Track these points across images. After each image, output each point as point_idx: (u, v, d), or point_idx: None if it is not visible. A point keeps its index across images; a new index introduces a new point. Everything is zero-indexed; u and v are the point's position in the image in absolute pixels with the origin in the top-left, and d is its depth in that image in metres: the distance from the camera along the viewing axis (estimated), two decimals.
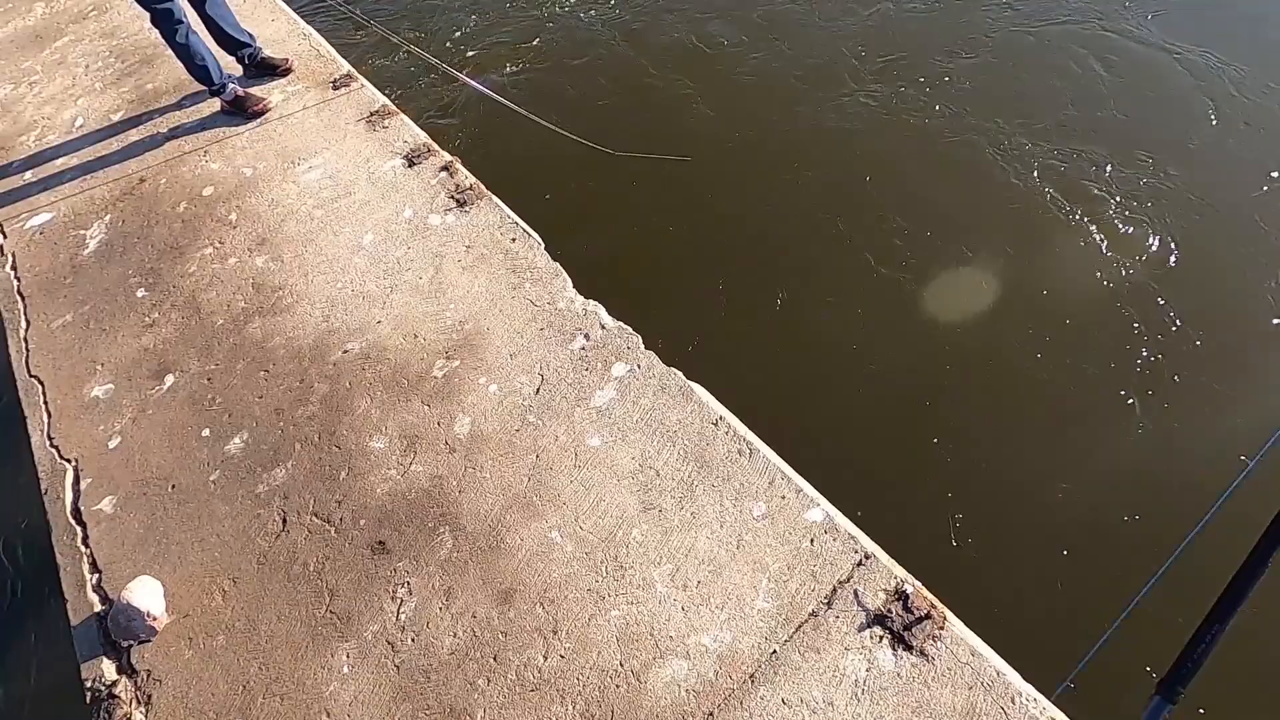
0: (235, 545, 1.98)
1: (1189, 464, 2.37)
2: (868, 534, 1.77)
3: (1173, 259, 2.89)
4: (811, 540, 1.74)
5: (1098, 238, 2.97)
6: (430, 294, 2.43)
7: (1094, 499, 2.35)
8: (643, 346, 2.18)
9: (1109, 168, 3.22)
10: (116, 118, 3.49)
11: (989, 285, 2.89)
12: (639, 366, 2.13)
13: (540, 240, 2.52)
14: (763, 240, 3.20)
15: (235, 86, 3.28)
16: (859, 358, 2.76)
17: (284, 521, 2.00)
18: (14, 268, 2.90)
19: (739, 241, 3.21)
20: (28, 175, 3.31)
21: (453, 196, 2.72)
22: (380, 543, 1.92)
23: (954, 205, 3.20)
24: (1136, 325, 2.70)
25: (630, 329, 2.24)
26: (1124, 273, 2.87)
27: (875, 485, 2.36)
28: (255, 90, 3.33)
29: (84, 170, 3.25)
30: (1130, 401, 2.53)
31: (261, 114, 3.24)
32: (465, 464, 2.02)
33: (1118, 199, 3.09)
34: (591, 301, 2.32)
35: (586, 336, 2.23)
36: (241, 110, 3.26)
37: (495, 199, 2.69)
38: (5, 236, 3.05)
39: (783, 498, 1.82)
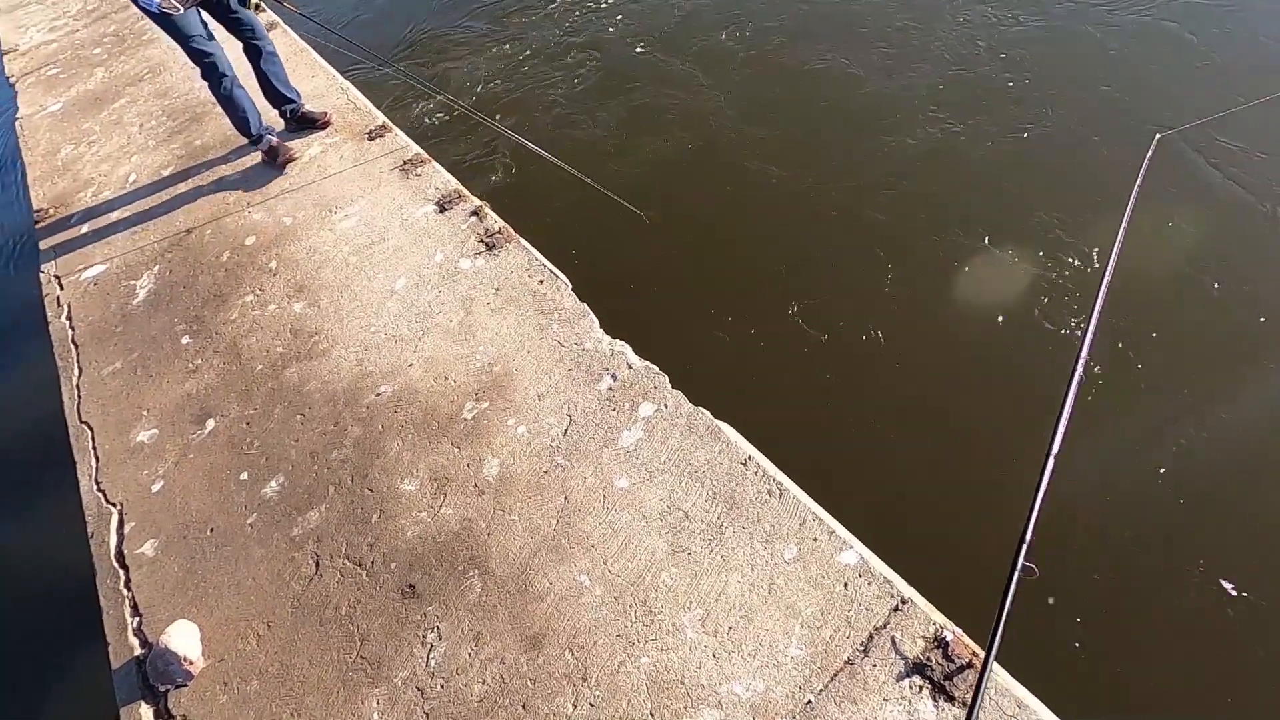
0: (270, 589, 2.01)
1: None
2: (904, 577, 1.71)
3: None
4: (845, 584, 1.69)
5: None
6: (460, 336, 2.47)
7: (1146, 530, 2.25)
8: (670, 385, 2.18)
9: None
10: (166, 173, 3.67)
11: (1029, 316, 2.83)
12: (666, 406, 2.13)
13: (568, 281, 2.55)
14: (793, 276, 3.19)
15: (271, 138, 3.44)
16: (890, 393, 2.71)
17: (317, 565, 2.03)
18: (69, 318, 3.04)
19: (768, 279, 3.21)
20: (84, 229, 3.49)
21: (482, 240, 2.78)
22: (410, 586, 1.92)
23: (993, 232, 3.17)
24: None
25: (657, 368, 2.24)
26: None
27: (909, 525, 2.29)
28: (295, 143, 3.48)
29: (135, 223, 3.42)
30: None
31: (290, 162, 3.40)
32: (494, 506, 2.02)
33: None
34: (619, 341, 2.34)
35: (614, 376, 2.24)
36: (273, 159, 3.42)
37: (524, 242, 2.75)
38: (62, 288, 3.20)
39: (815, 540, 1.78)
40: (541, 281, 2.57)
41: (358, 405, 2.37)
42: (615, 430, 2.10)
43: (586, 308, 2.45)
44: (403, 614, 1.87)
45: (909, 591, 1.67)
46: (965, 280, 3.01)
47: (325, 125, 3.59)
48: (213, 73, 3.19)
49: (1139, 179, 1.94)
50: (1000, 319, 2.85)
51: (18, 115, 4.54)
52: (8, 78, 5.03)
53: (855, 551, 1.74)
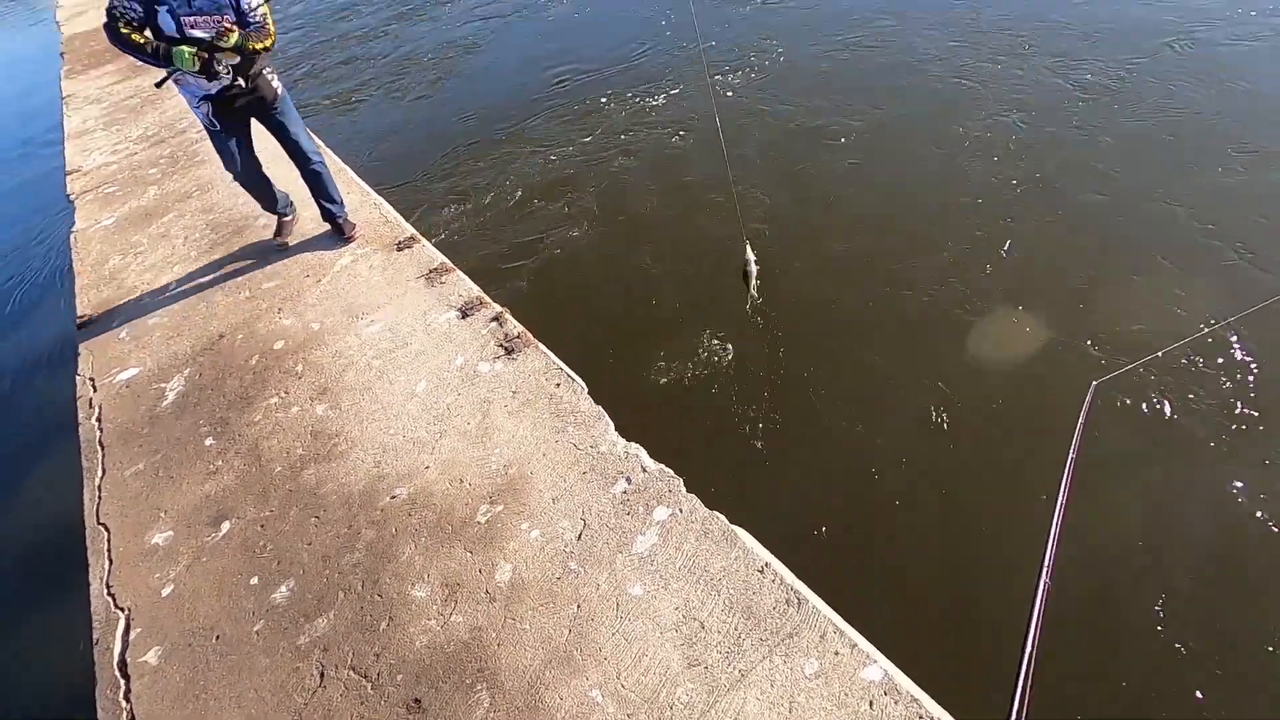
0: (272, 702, 1.94)
1: None
2: (931, 695, 1.63)
3: None
4: (870, 703, 1.61)
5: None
6: (477, 439, 2.51)
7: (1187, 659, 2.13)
8: (685, 489, 2.18)
9: None
10: (205, 281, 3.87)
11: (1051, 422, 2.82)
12: (681, 510, 2.12)
13: (584, 385, 2.61)
14: (811, 381, 3.23)
15: (287, 217, 3.96)
16: (913, 499, 2.68)
17: (321, 676, 1.97)
18: (99, 419, 3.13)
19: (783, 381, 3.26)
20: (123, 334, 3.65)
21: (501, 345, 2.88)
22: (416, 700, 1.85)
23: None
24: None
25: (672, 472, 2.25)
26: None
27: (934, 636, 2.20)
28: (329, 253, 3.70)
29: (172, 329, 3.57)
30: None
31: (283, 245, 3.94)
32: (505, 614, 1.98)
33: None
34: (634, 444, 2.36)
35: (628, 480, 2.24)
36: (279, 233, 3.95)
37: (541, 346, 2.83)
38: (95, 390, 3.31)
39: (836, 654, 1.71)
40: (558, 385, 2.63)
41: (373, 508, 2.38)
42: (629, 535, 2.08)
43: (602, 411, 2.49)
44: None
45: (938, 711, 1.58)
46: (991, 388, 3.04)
47: (350, 239, 3.81)
48: (224, 156, 3.49)
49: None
50: (1003, 427, 2.85)
51: (74, 229, 4.86)
52: (68, 196, 5.43)
53: (879, 667, 1.67)
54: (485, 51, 8.36)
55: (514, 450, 2.44)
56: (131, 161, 5.70)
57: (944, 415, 2.94)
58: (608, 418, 2.46)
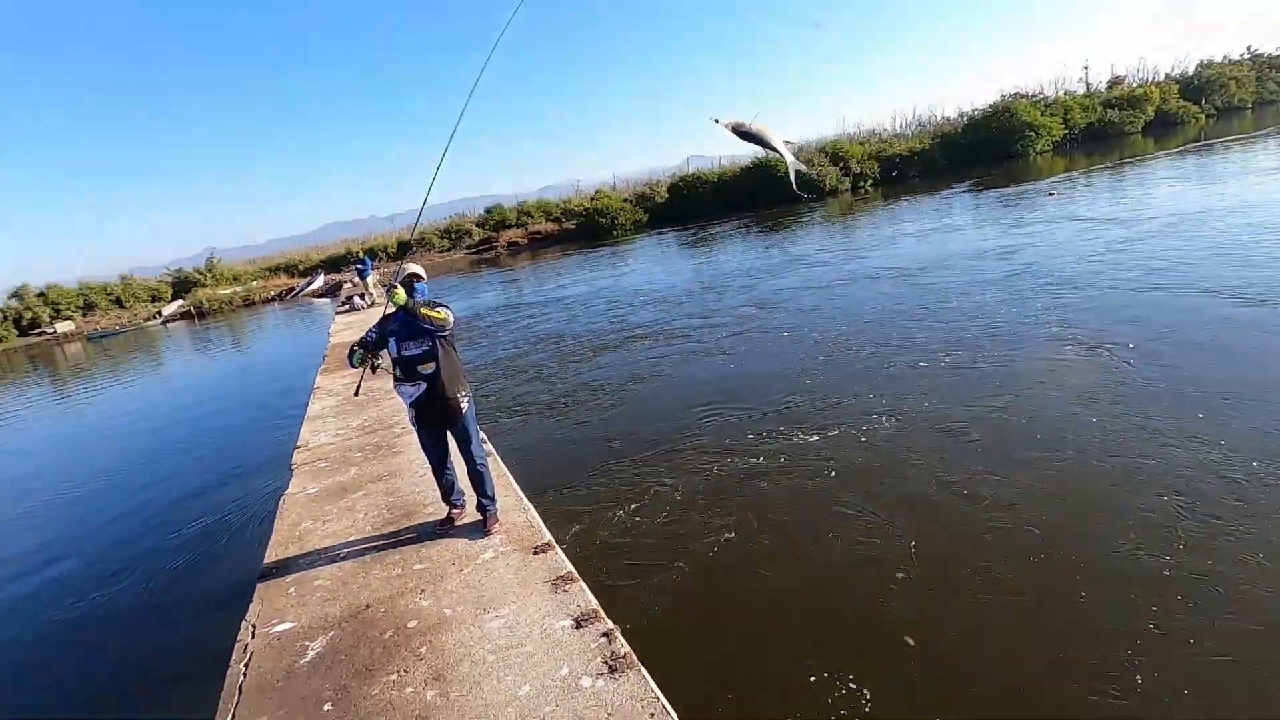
0: None
1: None
2: None
3: None
4: None
5: None
6: None
7: None
8: None
9: None
10: (369, 554, 4.48)
11: None
12: None
13: (677, 718, 2.63)
14: None
15: (456, 509, 4.58)
16: None
17: None
18: (247, 665, 3.50)
19: None
20: (291, 589, 4.20)
21: (606, 662, 3.02)
22: None
23: None
24: None
25: None
26: None
27: None
28: (475, 544, 4.23)
29: (329, 593, 4.08)
30: None
31: (447, 530, 4.55)
32: None
33: None
34: None
35: None
36: (446, 524, 4.58)
37: (643, 671, 2.94)
38: (254, 636, 3.75)
39: None
40: (652, 715, 2.67)
41: None
42: None
43: None
44: None
45: None
46: None
47: (490, 533, 4.38)
48: (427, 454, 4.54)
49: None
50: None
51: (285, 493, 5.90)
52: (291, 465, 6.68)
53: None
54: (651, 383, 9.79)
55: None
56: (345, 444, 7.00)
57: None
58: None
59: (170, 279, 46.50)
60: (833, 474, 5.95)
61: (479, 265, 39.34)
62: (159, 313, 41.77)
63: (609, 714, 2.72)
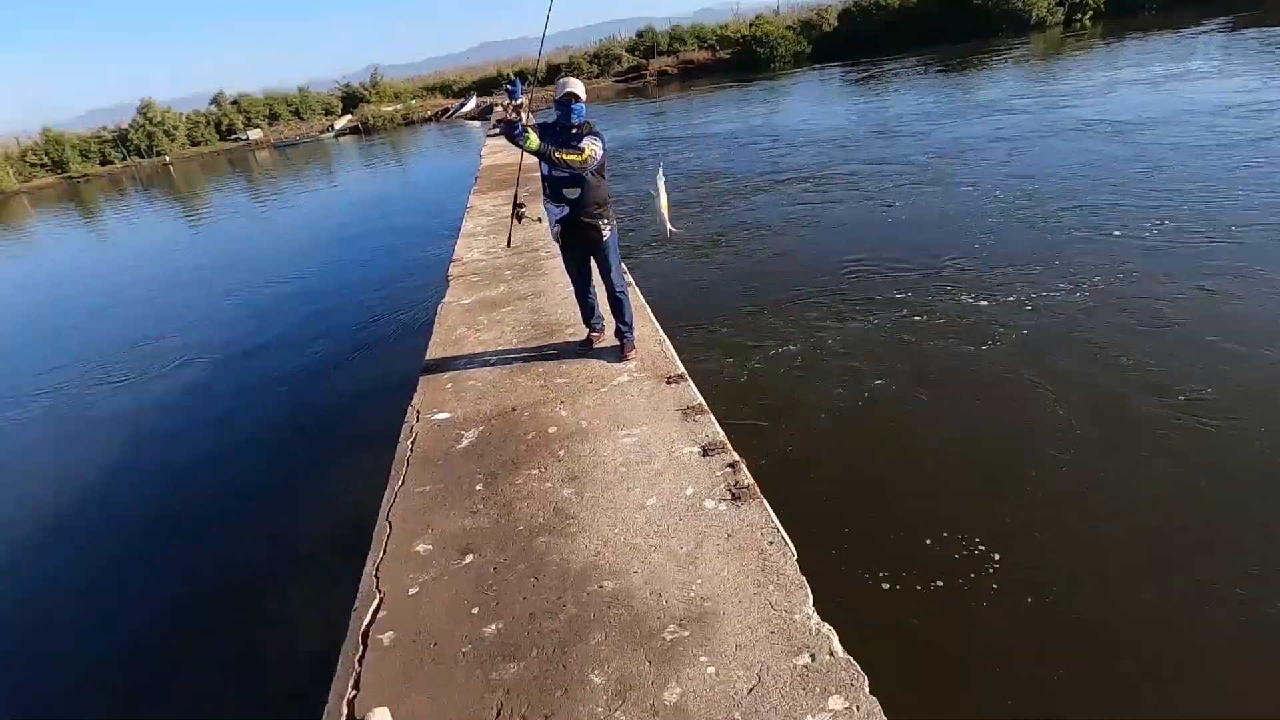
0: (456, 715, 2.25)
1: None
2: None
3: None
4: None
5: None
6: (684, 564, 2.73)
7: None
8: (868, 689, 2.13)
9: None
10: (516, 363, 4.81)
11: None
12: (858, 709, 2.07)
13: (795, 551, 2.72)
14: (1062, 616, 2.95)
15: (596, 332, 4.74)
16: None
17: (498, 713, 2.24)
18: (413, 443, 4.00)
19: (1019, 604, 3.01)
20: (448, 385, 4.66)
21: (730, 489, 3.13)
22: None
23: None
24: None
25: (859, 667, 2.22)
26: None
27: None
28: (612, 368, 4.41)
29: (481, 392, 4.48)
30: None
31: (590, 347, 4.78)
32: None
33: None
34: (827, 625, 2.38)
35: (812, 657, 2.26)
36: (587, 345, 4.78)
37: (766, 504, 3.02)
38: (418, 421, 4.25)
39: None
40: (771, 543, 2.78)
41: (581, 589, 2.70)
42: (799, 711, 2.09)
43: (805, 582, 2.56)
44: None
45: None
46: None
47: (627, 359, 4.52)
48: (570, 275, 4.64)
49: None
50: None
51: (442, 302, 6.39)
52: (447, 277, 7.17)
53: None
54: (805, 230, 9.35)
55: (713, 586, 2.61)
56: (495, 263, 7.35)
57: None
58: (809, 590, 2.52)
59: (340, 94, 48.99)
60: (999, 342, 5.52)
61: (626, 95, 37.86)
62: (331, 126, 44.66)
63: (728, 535, 2.86)
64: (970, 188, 9.90)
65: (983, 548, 3.52)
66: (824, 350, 5.81)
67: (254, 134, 44.51)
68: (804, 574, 2.62)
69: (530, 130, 3.91)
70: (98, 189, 35.04)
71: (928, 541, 3.61)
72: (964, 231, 8.13)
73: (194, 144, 43.99)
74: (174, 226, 20.58)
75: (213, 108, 46.42)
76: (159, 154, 42.12)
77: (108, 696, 3.87)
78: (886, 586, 3.41)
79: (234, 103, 46.23)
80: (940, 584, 3.36)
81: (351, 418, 6.45)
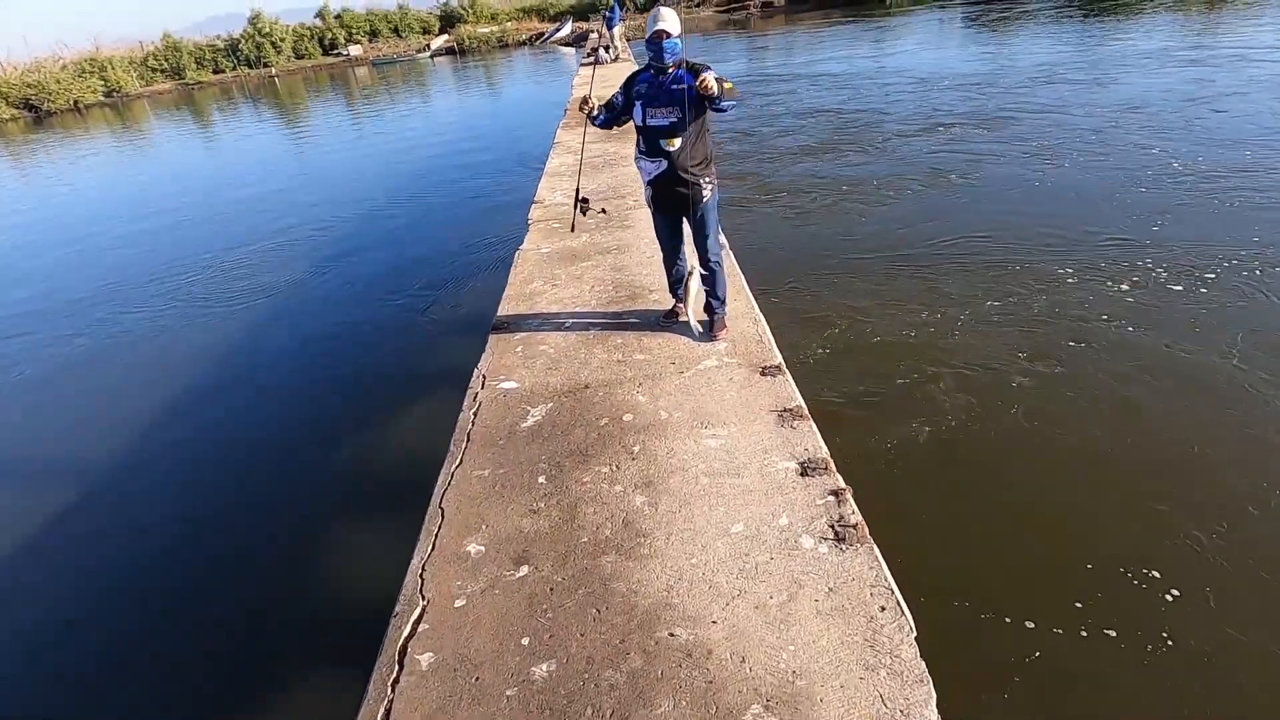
0: None
1: None
2: None
3: None
4: None
5: None
6: (775, 622, 2.27)
7: None
8: None
9: None
10: (592, 330, 4.37)
11: None
12: None
13: (913, 627, 2.21)
14: None
15: (680, 304, 4.19)
16: None
17: None
18: (475, 414, 3.66)
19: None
20: (518, 349, 4.27)
21: (832, 526, 2.62)
22: None
23: None
24: None
25: None
26: None
27: None
28: (699, 348, 3.91)
29: (552, 362, 4.07)
30: None
31: (674, 319, 4.29)
32: None
33: None
34: None
35: None
36: (672, 316, 4.30)
37: (876, 551, 2.51)
38: (483, 388, 3.90)
39: None
40: (883, 609, 2.28)
41: (649, 635, 2.29)
42: None
43: (926, 673, 2.06)
44: None
45: None
46: None
47: (716, 339, 3.99)
48: (660, 238, 4.16)
49: None
50: None
51: (519, 248, 5.98)
52: (527, 220, 6.73)
53: None
54: (931, 187, 8.38)
55: (809, 658, 2.14)
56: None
57: None
58: (931, 687, 2.02)
59: (439, 12, 48.53)
60: (1197, 329, 4.65)
61: (727, 26, 35.73)
62: (428, 46, 44.42)
63: (829, 589, 2.37)
64: (1138, 147, 8.56)
65: (1157, 585, 2.89)
66: (951, 330, 5.08)
67: (354, 50, 44.84)
68: (923, 656, 2.12)
69: (722, 88, 3.40)
70: (210, 96, 36.33)
71: (1103, 615, 2.96)
72: (1134, 202, 7.02)
73: (299, 57, 44.79)
74: (275, 140, 20.99)
75: (317, 21, 46.93)
76: (266, 65, 43.15)
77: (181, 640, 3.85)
78: (1032, 681, 2.82)
79: (337, 17, 46.56)
80: (1102, 645, 2.77)
81: (423, 366, 6.23)
